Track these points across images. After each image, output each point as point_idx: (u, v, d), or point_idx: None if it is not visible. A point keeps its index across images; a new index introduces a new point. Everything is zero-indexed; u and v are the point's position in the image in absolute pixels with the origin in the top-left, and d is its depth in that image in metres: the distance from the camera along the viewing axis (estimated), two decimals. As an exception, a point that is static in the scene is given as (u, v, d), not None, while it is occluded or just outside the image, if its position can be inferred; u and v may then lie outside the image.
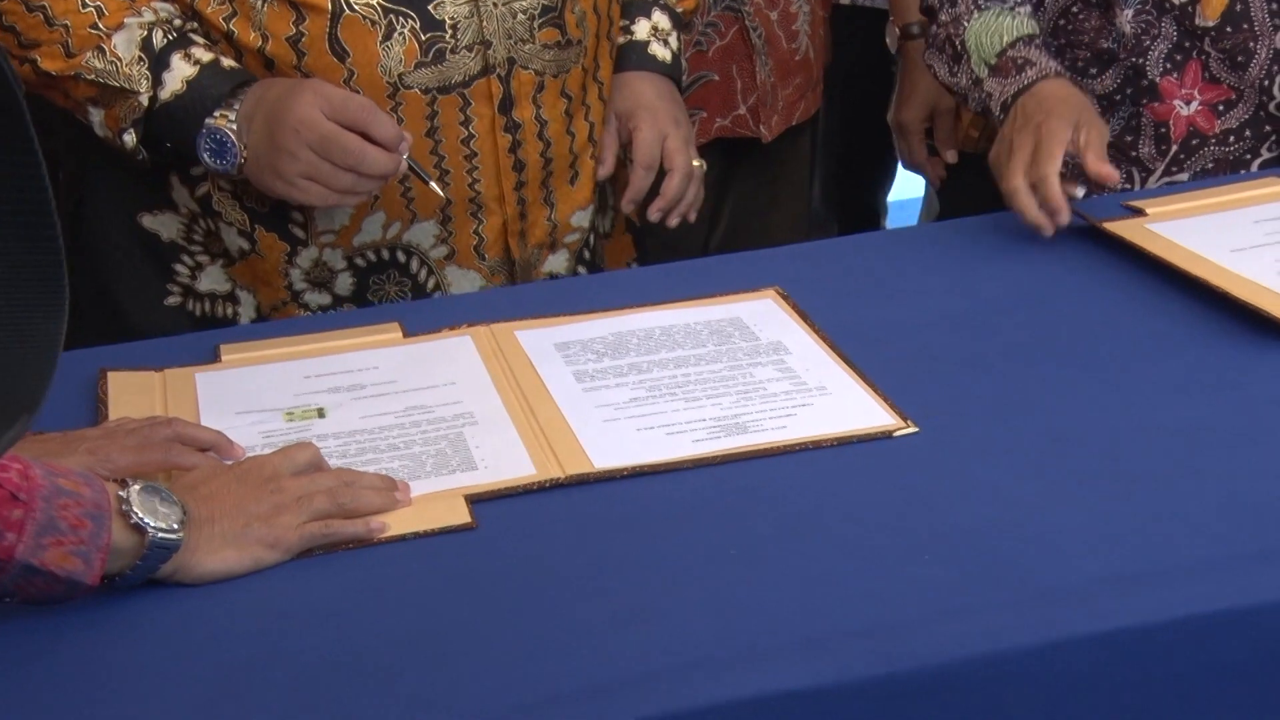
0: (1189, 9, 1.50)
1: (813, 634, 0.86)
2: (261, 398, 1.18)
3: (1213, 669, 0.87)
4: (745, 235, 1.96)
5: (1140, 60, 1.54)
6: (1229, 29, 1.49)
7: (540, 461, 1.07)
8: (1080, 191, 1.34)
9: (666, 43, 1.57)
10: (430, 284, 1.46)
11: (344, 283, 1.45)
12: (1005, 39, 1.50)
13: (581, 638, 0.88)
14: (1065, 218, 1.34)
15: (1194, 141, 1.55)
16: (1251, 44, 1.49)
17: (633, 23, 1.56)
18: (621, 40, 1.56)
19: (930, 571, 0.91)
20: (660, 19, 1.57)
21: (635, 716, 0.82)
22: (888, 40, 2.05)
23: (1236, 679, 0.88)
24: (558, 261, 1.51)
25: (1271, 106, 1.52)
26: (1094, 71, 1.58)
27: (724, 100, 1.91)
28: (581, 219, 1.51)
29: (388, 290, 1.45)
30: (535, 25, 1.40)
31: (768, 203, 2.00)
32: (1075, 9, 1.59)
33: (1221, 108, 1.53)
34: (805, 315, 1.27)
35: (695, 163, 1.54)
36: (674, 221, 1.53)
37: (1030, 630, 0.86)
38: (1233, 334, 1.18)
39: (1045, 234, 1.35)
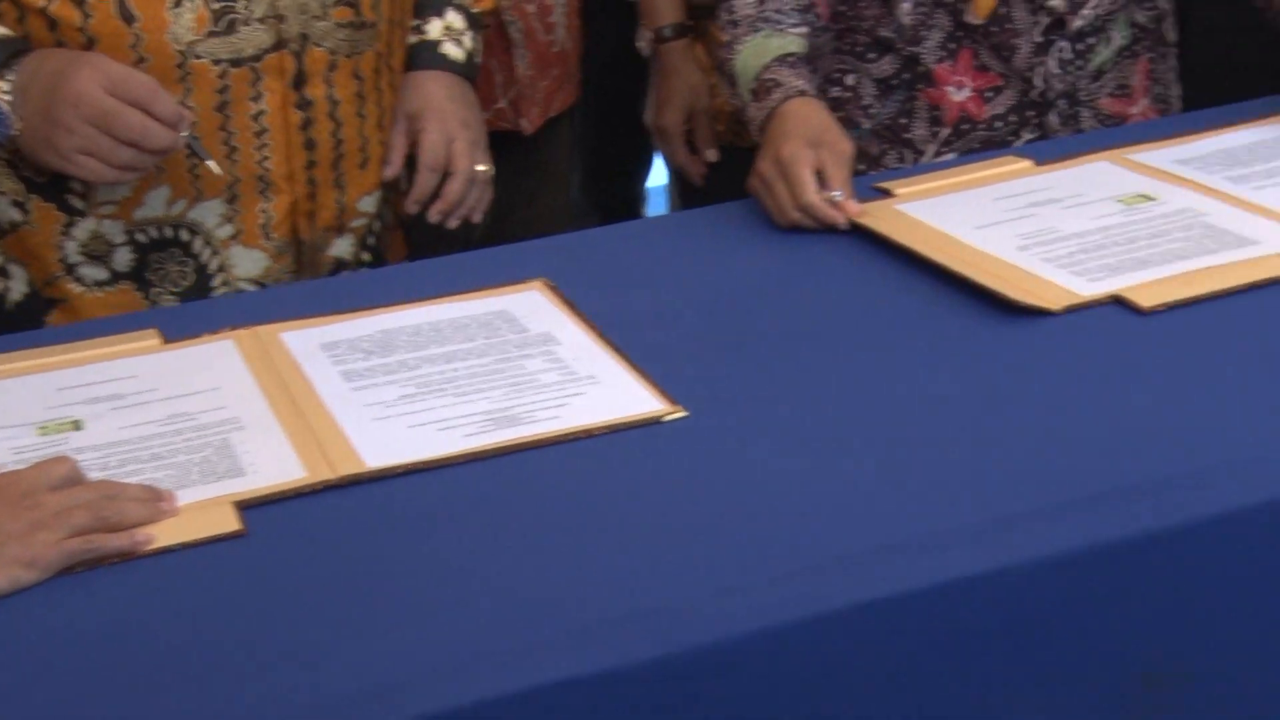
0: (959, 7, 1.57)
1: (592, 621, 0.87)
2: (11, 412, 1.13)
3: (973, 631, 0.91)
4: (509, 228, 1.96)
5: (916, 49, 1.60)
6: (994, 28, 1.57)
7: (311, 463, 1.05)
8: (838, 194, 1.39)
9: (460, 42, 1.57)
10: (213, 264, 1.43)
11: (123, 258, 1.41)
12: (764, 61, 1.52)
13: (361, 638, 0.87)
14: (843, 225, 1.38)
15: (964, 126, 1.62)
16: (1015, 40, 1.57)
17: (425, 22, 1.56)
18: (413, 39, 1.55)
19: (705, 552, 0.93)
20: (454, 18, 1.57)
21: (418, 714, 0.82)
22: (640, 44, 2.07)
23: (996, 640, 0.92)
24: (343, 246, 1.50)
25: (1033, 94, 1.61)
26: (872, 56, 1.64)
27: (483, 94, 1.90)
28: (369, 204, 1.51)
29: (168, 269, 1.43)
30: (329, 2, 1.40)
31: (530, 194, 2.01)
32: None
33: (990, 94, 1.61)
34: (573, 305, 1.28)
35: (480, 167, 1.55)
36: (453, 223, 1.54)
37: (802, 604, 0.89)
38: (974, 309, 1.23)
39: (843, 227, 1.38)
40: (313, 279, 1.48)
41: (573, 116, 2.10)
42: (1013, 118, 1.62)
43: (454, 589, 0.91)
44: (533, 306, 1.28)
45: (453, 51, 1.56)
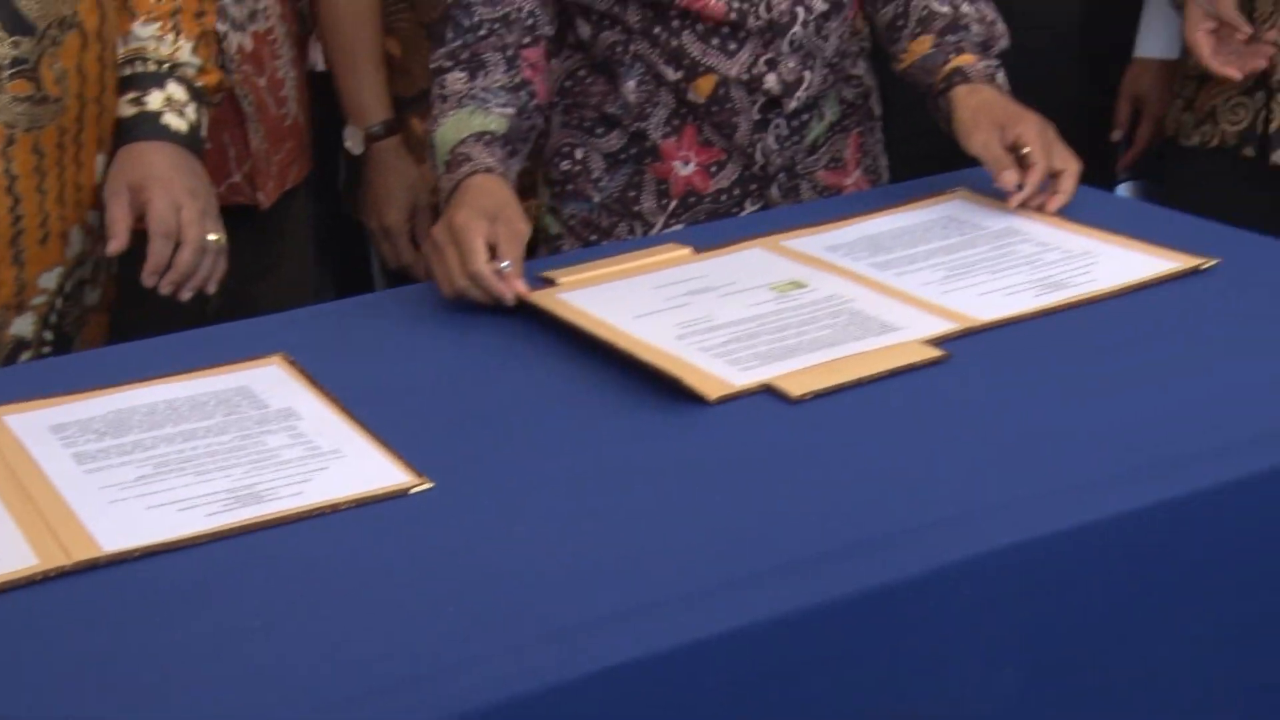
0: (682, 86, 1.63)
1: (342, 697, 0.88)
2: None
3: (703, 692, 0.93)
4: (246, 302, 1.94)
5: (643, 125, 1.66)
6: (715, 107, 1.64)
7: (43, 550, 1.02)
8: (507, 264, 1.37)
9: (183, 113, 1.55)
10: None
11: None
12: (461, 135, 1.52)
13: (103, 728, 0.85)
14: (509, 300, 1.37)
15: (691, 199, 1.68)
16: (735, 118, 1.65)
17: (144, 94, 1.54)
18: (132, 111, 1.53)
19: (453, 622, 0.95)
20: (175, 90, 1.55)
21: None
22: (348, 143, 2.04)
23: (732, 702, 0.95)
24: (24, 324, 1.46)
25: (755, 168, 1.68)
26: (600, 131, 1.69)
27: (217, 169, 1.88)
28: (49, 280, 1.47)
29: None
30: (4, 76, 1.37)
31: (268, 268, 1.99)
32: (581, 73, 1.69)
33: (714, 168, 1.68)
34: (313, 379, 1.28)
35: (211, 236, 1.52)
36: (186, 295, 1.51)
37: (542, 672, 0.90)
38: (638, 396, 1.23)
39: (510, 302, 1.38)
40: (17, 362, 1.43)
41: (308, 188, 2.09)
42: (736, 190, 1.70)
43: (197, 672, 0.90)
44: (272, 381, 1.28)
45: (175, 122, 1.55)
